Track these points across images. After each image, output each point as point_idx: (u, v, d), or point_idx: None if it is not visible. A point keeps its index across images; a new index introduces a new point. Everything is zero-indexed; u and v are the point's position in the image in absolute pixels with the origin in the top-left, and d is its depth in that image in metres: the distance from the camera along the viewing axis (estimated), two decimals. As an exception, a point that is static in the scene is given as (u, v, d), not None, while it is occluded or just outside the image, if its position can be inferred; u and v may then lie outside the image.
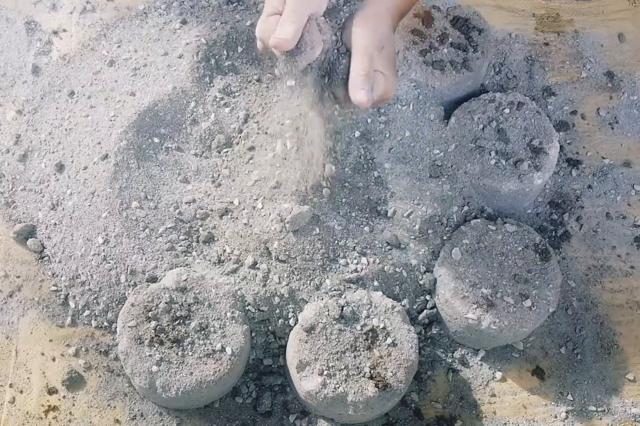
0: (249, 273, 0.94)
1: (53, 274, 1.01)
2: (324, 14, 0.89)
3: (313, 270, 0.95)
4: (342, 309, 0.91)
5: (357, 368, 0.88)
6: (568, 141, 1.17)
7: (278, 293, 0.94)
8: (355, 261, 0.96)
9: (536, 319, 0.94)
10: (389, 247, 0.99)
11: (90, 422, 0.92)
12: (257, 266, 0.95)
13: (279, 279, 0.94)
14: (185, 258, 0.96)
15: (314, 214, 0.96)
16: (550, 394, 0.99)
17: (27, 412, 0.92)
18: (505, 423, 0.96)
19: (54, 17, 1.20)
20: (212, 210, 0.99)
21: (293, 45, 0.84)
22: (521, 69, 1.23)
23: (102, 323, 0.98)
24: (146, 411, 0.93)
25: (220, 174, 1.02)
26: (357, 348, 0.90)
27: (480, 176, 1.04)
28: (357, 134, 1.05)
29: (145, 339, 0.88)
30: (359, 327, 0.91)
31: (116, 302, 0.96)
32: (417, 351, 0.90)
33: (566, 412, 0.97)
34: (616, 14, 1.29)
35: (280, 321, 0.94)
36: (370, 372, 0.88)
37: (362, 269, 0.96)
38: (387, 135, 1.06)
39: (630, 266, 1.09)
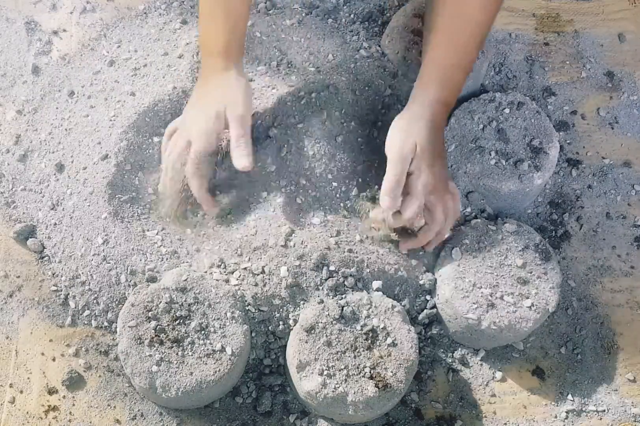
0: (249, 273, 0.95)
1: (53, 274, 1.01)
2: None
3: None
4: (342, 309, 0.91)
5: (357, 368, 0.88)
6: (568, 141, 1.17)
7: (278, 293, 0.94)
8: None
9: (536, 319, 0.94)
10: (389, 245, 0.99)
11: (90, 422, 0.92)
12: (257, 266, 0.95)
13: (279, 279, 0.94)
14: (186, 257, 0.96)
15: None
16: (550, 394, 0.99)
17: (27, 412, 0.92)
18: (505, 423, 0.96)
19: (54, 17, 1.20)
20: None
21: (253, 165, 0.94)
22: (521, 69, 1.23)
23: (102, 323, 0.98)
24: (146, 411, 0.93)
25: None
26: (357, 348, 0.90)
27: (480, 176, 1.04)
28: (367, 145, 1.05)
29: (145, 339, 0.88)
30: (359, 327, 0.91)
31: (116, 302, 0.96)
32: (417, 351, 0.90)
33: (566, 412, 0.97)
34: (616, 14, 1.29)
35: (280, 321, 0.94)
36: (370, 372, 0.88)
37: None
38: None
39: (630, 266, 1.09)
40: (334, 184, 1.02)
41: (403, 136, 0.93)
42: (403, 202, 0.92)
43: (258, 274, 0.94)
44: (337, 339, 0.90)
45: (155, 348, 0.88)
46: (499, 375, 0.99)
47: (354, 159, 1.05)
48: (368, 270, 0.96)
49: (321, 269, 0.95)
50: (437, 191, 0.93)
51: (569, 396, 0.98)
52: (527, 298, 0.95)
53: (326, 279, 0.95)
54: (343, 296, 0.94)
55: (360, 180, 1.04)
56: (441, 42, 0.96)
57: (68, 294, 0.99)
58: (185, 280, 0.92)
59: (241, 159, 0.92)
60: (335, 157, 1.03)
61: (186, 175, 0.94)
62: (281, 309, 0.94)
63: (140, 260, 0.96)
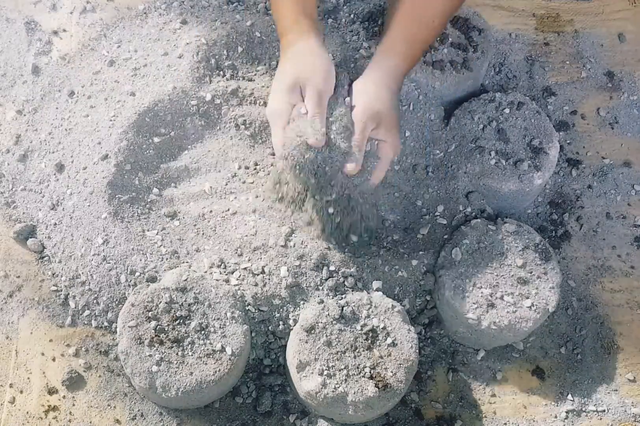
0: (249, 273, 0.95)
1: (53, 274, 1.01)
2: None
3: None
4: (342, 309, 0.91)
5: (357, 368, 0.88)
6: (568, 141, 1.17)
7: (278, 293, 0.94)
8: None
9: (536, 319, 0.94)
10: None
11: (90, 422, 0.92)
12: (257, 266, 0.95)
13: (279, 279, 0.94)
14: (186, 257, 0.96)
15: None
16: (550, 394, 0.98)
17: (27, 412, 0.92)
18: (505, 423, 0.96)
19: (54, 17, 1.20)
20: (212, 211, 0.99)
21: (325, 141, 0.90)
22: (521, 69, 1.23)
23: (102, 323, 0.98)
24: (146, 411, 0.93)
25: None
26: (357, 348, 0.89)
27: (480, 176, 1.04)
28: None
29: (145, 339, 0.88)
30: (359, 327, 0.91)
31: (116, 302, 0.96)
32: (417, 351, 0.90)
33: (566, 412, 0.97)
34: (616, 14, 1.29)
35: (280, 321, 0.94)
36: (370, 372, 0.88)
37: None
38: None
39: (630, 266, 1.09)
40: None
41: (367, 101, 0.94)
42: (375, 168, 0.95)
43: (258, 274, 0.94)
44: (337, 339, 0.90)
45: (155, 348, 0.88)
46: (499, 375, 0.99)
47: None
48: (368, 270, 0.96)
49: (321, 269, 0.95)
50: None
51: (569, 396, 0.98)
52: (527, 298, 0.95)
53: (326, 279, 0.95)
54: (343, 296, 0.94)
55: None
56: (409, 16, 0.99)
57: (68, 294, 0.99)
58: (185, 280, 0.92)
59: (313, 137, 0.89)
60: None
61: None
62: (281, 309, 0.94)
63: (140, 260, 0.96)
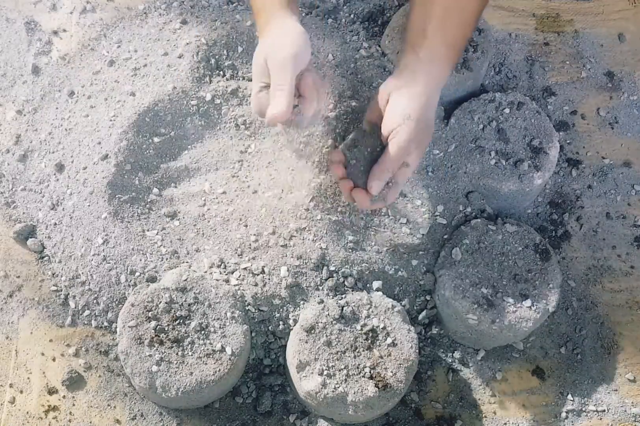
0: (249, 273, 0.95)
1: (53, 274, 1.01)
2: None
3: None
4: (342, 309, 0.91)
5: (357, 368, 0.88)
6: (568, 141, 1.17)
7: (278, 293, 0.94)
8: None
9: (536, 319, 0.94)
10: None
11: (90, 422, 0.92)
12: (257, 266, 0.95)
13: (279, 279, 0.94)
14: (186, 257, 0.96)
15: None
16: (550, 394, 0.99)
17: (27, 412, 0.92)
18: (505, 423, 0.96)
19: (54, 17, 1.20)
20: (213, 212, 0.99)
21: (288, 115, 0.84)
22: (521, 69, 1.23)
23: (102, 323, 0.98)
24: (146, 411, 0.93)
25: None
26: (357, 348, 0.89)
27: (480, 176, 1.04)
28: None
29: (145, 339, 0.88)
30: (359, 327, 0.91)
31: (116, 302, 0.96)
32: (417, 351, 0.90)
33: (566, 412, 0.97)
34: (616, 14, 1.29)
35: (280, 321, 0.94)
36: (370, 372, 0.88)
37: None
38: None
39: (630, 266, 1.09)
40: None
41: (413, 128, 0.89)
42: (390, 191, 0.91)
43: (258, 274, 0.94)
44: (337, 339, 0.90)
45: (155, 348, 0.88)
46: (499, 375, 0.99)
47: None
48: (368, 270, 0.96)
49: (321, 269, 0.95)
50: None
51: (569, 396, 0.98)
52: (527, 298, 0.95)
53: (326, 279, 0.95)
54: (343, 296, 0.94)
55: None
56: (446, 19, 0.94)
57: (68, 294, 0.99)
58: (185, 280, 0.92)
59: (274, 108, 0.84)
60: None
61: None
62: (281, 309, 0.94)
63: (140, 260, 0.96)
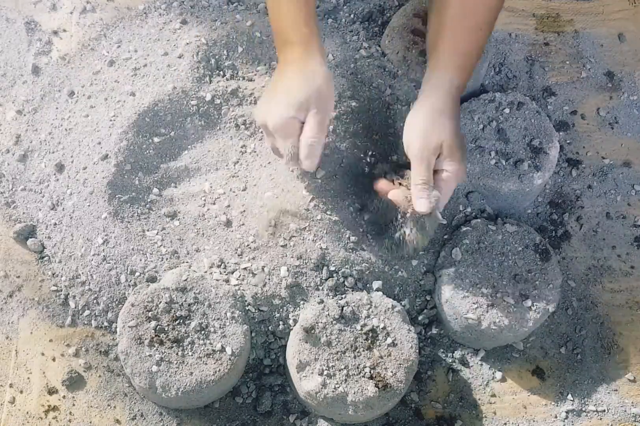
0: (249, 273, 0.95)
1: (53, 274, 1.01)
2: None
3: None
4: (342, 309, 0.91)
5: (357, 368, 0.88)
6: (568, 141, 1.17)
7: (278, 294, 0.94)
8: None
9: (536, 319, 0.94)
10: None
11: (90, 422, 0.92)
12: (257, 266, 0.95)
13: (279, 279, 0.94)
14: (186, 257, 0.96)
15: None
16: (550, 394, 0.99)
17: (27, 412, 0.92)
18: (505, 423, 0.96)
19: (54, 17, 1.20)
20: (212, 214, 0.99)
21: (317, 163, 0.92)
22: (521, 69, 1.23)
23: (102, 323, 0.98)
24: (146, 411, 0.93)
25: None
26: (357, 348, 0.90)
27: (480, 176, 1.04)
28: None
29: (145, 339, 0.88)
30: (359, 327, 0.91)
31: (116, 302, 0.96)
32: (417, 351, 0.90)
33: (566, 412, 0.97)
34: (616, 14, 1.29)
35: (280, 321, 0.94)
36: (370, 372, 0.88)
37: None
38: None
39: (630, 266, 1.09)
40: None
41: (425, 134, 0.90)
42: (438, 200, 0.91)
43: (258, 275, 0.94)
44: (337, 340, 0.90)
45: (155, 348, 0.88)
46: (499, 375, 0.99)
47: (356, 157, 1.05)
48: (368, 270, 0.96)
49: (321, 269, 0.95)
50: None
51: (569, 396, 0.98)
52: (527, 298, 0.95)
53: (326, 279, 0.95)
54: (343, 296, 0.94)
55: (361, 179, 1.04)
56: (456, 29, 0.94)
57: (68, 294, 0.99)
58: (185, 280, 0.92)
59: (307, 161, 0.90)
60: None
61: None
62: (281, 309, 0.94)
63: (140, 260, 0.96)
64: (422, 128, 0.91)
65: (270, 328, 0.95)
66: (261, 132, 1.04)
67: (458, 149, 0.91)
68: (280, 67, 0.95)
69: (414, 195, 0.90)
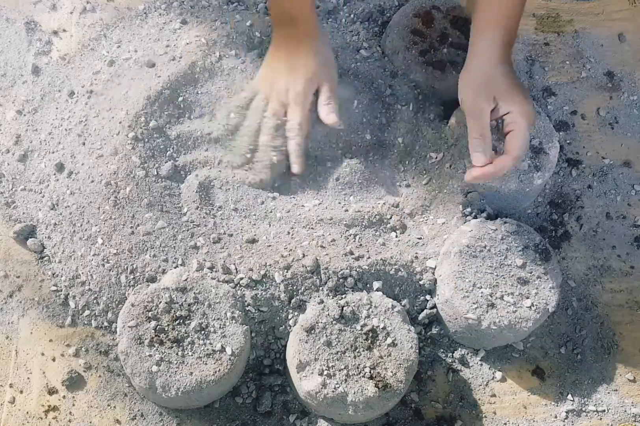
0: (249, 274, 0.95)
1: (53, 274, 1.01)
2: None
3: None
4: (342, 309, 0.91)
5: (357, 368, 0.88)
6: (568, 141, 1.17)
7: (278, 295, 0.94)
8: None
9: (536, 319, 0.94)
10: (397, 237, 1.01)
11: (90, 422, 0.92)
12: (257, 268, 0.95)
13: (279, 280, 0.94)
14: (186, 257, 0.96)
15: None
16: (550, 394, 0.99)
17: (27, 412, 0.92)
18: (505, 423, 0.96)
19: (54, 17, 1.20)
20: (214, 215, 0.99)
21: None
22: (521, 69, 1.23)
23: (102, 323, 0.98)
24: (146, 411, 0.93)
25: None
26: (357, 348, 0.90)
27: (480, 176, 1.04)
28: (367, 137, 1.05)
29: (145, 339, 0.88)
30: (359, 327, 0.91)
31: (116, 302, 0.96)
32: (417, 351, 0.90)
33: (566, 412, 0.97)
34: (616, 14, 1.29)
35: (280, 321, 0.94)
36: (370, 372, 0.88)
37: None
38: (388, 135, 1.06)
39: (630, 266, 1.09)
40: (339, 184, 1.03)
41: (477, 88, 0.94)
42: (498, 161, 0.93)
43: (258, 277, 0.94)
44: (337, 339, 0.90)
45: (155, 348, 0.88)
46: (499, 375, 0.99)
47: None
48: (368, 270, 0.96)
49: (321, 269, 0.95)
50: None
51: (569, 396, 0.98)
52: (527, 298, 0.95)
53: (326, 280, 0.95)
54: (343, 296, 0.94)
55: (362, 180, 1.04)
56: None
57: (68, 294, 0.99)
58: (185, 280, 0.92)
59: (330, 115, 0.99)
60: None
61: (288, 137, 1.00)
62: (281, 310, 0.94)
63: (141, 260, 0.96)
64: (474, 83, 0.95)
65: (270, 328, 0.94)
66: None
67: (518, 93, 0.94)
68: (288, 42, 1.03)
69: (471, 149, 0.93)
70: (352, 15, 1.19)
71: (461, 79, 0.98)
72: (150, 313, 0.89)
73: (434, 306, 0.99)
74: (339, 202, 1.02)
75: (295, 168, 1.00)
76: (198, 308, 0.90)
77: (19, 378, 0.95)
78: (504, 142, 0.95)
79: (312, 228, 0.99)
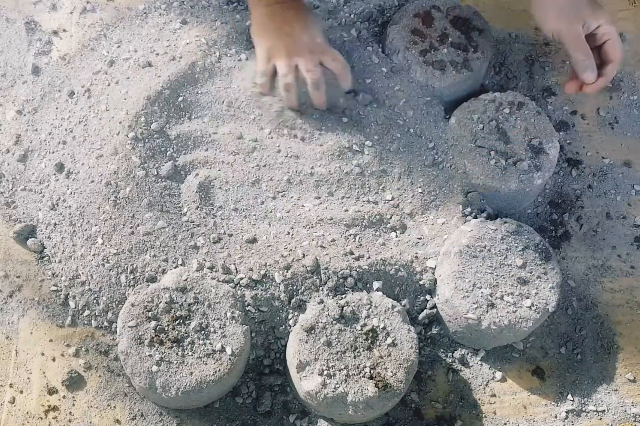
0: (249, 274, 0.95)
1: (53, 274, 1.01)
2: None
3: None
4: (342, 309, 0.91)
5: (357, 368, 0.88)
6: (568, 141, 1.17)
7: (278, 295, 0.94)
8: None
9: (536, 319, 0.94)
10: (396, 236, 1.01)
11: (90, 422, 0.92)
12: (257, 268, 0.95)
13: (279, 280, 0.94)
14: (186, 257, 0.96)
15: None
16: (550, 394, 0.99)
17: (27, 412, 0.92)
18: (505, 423, 0.96)
19: (54, 17, 1.20)
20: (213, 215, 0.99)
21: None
22: (521, 69, 1.23)
23: (102, 323, 0.98)
24: (146, 411, 0.93)
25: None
26: (357, 348, 0.89)
27: (480, 176, 1.04)
28: (368, 143, 1.06)
29: (145, 339, 0.88)
30: (359, 327, 0.91)
31: (116, 302, 0.96)
32: (417, 351, 0.90)
33: (566, 412, 0.97)
34: (616, 14, 1.29)
35: (280, 321, 0.94)
36: (370, 372, 0.88)
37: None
38: (388, 135, 1.06)
39: (630, 266, 1.09)
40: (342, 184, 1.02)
41: (567, 16, 0.99)
42: (609, 70, 1.01)
43: (258, 277, 0.94)
44: (337, 339, 0.90)
45: (155, 348, 0.88)
46: (499, 375, 0.99)
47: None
48: (368, 270, 0.96)
49: (321, 269, 0.95)
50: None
51: (569, 396, 0.98)
52: (527, 298, 0.95)
53: (326, 280, 0.95)
54: (343, 296, 0.94)
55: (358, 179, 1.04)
56: None
57: (68, 294, 0.99)
58: (185, 280, 0.92)
59: (343, 73, 1.04)
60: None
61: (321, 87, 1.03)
62: (281, 310, 0.94)
63: (141, 260, 0.96)
64: (558, 8, 1.00)
65: (270, 328, 0.94)
66: None
67: (597, 6, 1.01)
68: (284, 12, 1.04)
69: (579, 71, 1.00)
70: (352, 15, 1.19)
71: (541, 8, 1.01)
72: (150, 313, 0.89)
73: (434, 306, 0.99)
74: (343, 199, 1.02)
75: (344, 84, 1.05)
76: (198, 308, 0.90)
77: (19, 378, 0.95)
78: (602, 53, 1.02)
79: (312, 228, 0.99)
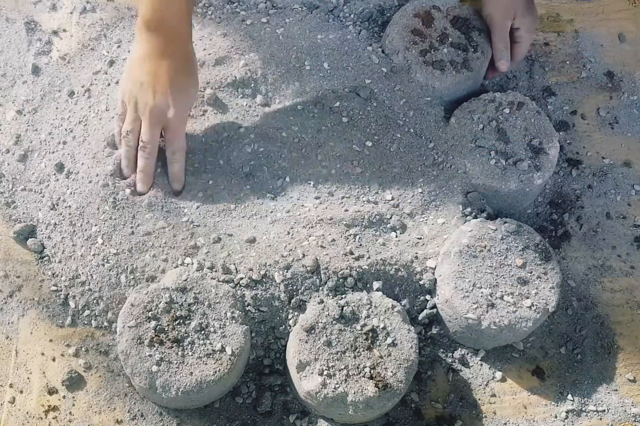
0: (249, 274, 0.95)
1: (53, 274, 1.01)
2: None
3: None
4: (342, 309, 0.91)
5: (357, 368, 0.88)
6: (568, 141, 1.17)
7: (278, 295, 0.94)
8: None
9: (536, 319, 0.94)
10: (397, 237, 1.01)
11: (90, 422, 0.92)
12: (257, 268, 0.95)
13: (279, 281, 0.94)
14: (186, 258, 0.96)
15: None
16: (550, 394, 0.98)
17: (27, 412, 0.92)
18: (505, 423, 0.96)
19: (54, 17, 1.20)
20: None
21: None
22: (521, 69, 1.23)
23: (102, 323, 0.98)
24: (146, 411, 0.93)
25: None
26: (357, 348, 0.90)
27: (480, 176, 1.04)
28: (368, 143, 1.06)
29: (145, 339, 0.88)
30: (359, 327, 0.91)
31: (116, 302, 0.96)
32: (417, 351, 0.90)
33: (566, 412, 0.97)
34: (616, 14, 1.29)
35: (280, 321, 0.94)
36: (370, 372, 0.88)
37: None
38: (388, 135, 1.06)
39: (630, 266, 1.09)
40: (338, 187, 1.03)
41: (504, 11, 1.12)
42: (516, 54, 1.15)
43: (258, 277, 0.94)
44: (337, 339, 0.90)
45: (155, 348, 0.88)
46: (499, 375, 0.99)
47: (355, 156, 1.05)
48: (368, 270, 0.96)
49: (320, 270, 0.95)
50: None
51: (569, 396, 0.98)
52: (527, 298, 0.95)
53: (326, 280, 0.95)
54: (343, 296, 0.94)
55: (355, 177, 1.04)
56: None
57: (68, 294, 0.99)
58: (185, 280, 0.92)
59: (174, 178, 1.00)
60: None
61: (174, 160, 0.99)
62: (281, 310, 0.94)
63: (141, 260, 0.96)
64: (502, 3, 1.12)
65: (270, 328, 0.94)
66: None
67: (530, 12, 1.13)
68: (166, 56, 0.96)
69: (496, 57, 1.13)
70: (352, 15, 1.19)
71: (488, 1, 1.13)
72: (150, 313, 0.89)
73: (434, 306, 0.99)
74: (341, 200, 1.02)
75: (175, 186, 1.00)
76: (198, 308, 0.90)
77: (19, 378, 0.94)
78: (511, 48, 1.14)
79: (312, 228, 0.99)
